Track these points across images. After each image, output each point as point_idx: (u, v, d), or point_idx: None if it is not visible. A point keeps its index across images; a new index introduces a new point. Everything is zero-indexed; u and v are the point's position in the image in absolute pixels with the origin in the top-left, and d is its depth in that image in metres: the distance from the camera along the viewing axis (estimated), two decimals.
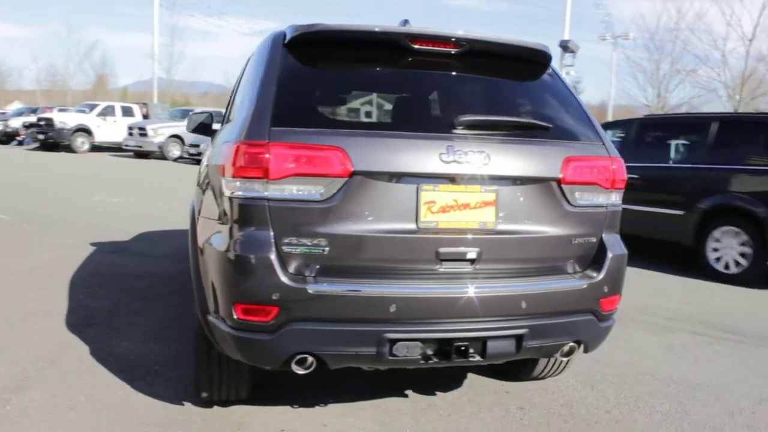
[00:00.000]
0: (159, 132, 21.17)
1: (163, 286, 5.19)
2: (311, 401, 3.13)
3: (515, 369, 3.44)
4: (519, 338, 2.52)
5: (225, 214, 2.42)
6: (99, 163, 18.91)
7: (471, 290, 2.44)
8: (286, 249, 2.32)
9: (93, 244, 6.69)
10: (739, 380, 3.72)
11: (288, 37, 2.62)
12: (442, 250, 2.44)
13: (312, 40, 2.61)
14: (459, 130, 2.48)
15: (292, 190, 2.31)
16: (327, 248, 2.34)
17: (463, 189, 2.45)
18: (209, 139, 3.63)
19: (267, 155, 2.29)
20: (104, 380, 3.27)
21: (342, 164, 2.32)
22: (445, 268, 2.45)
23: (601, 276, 2.65)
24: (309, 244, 2.33)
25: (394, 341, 2.37)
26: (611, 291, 2.70)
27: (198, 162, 19.57)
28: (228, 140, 2.52)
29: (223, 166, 2.45)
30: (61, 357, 3.55)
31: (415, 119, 2.58)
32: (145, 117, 24.48)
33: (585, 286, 2.62)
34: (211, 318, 2.58)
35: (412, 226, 2.41)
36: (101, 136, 22.90)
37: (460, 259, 2.47)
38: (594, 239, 2.70)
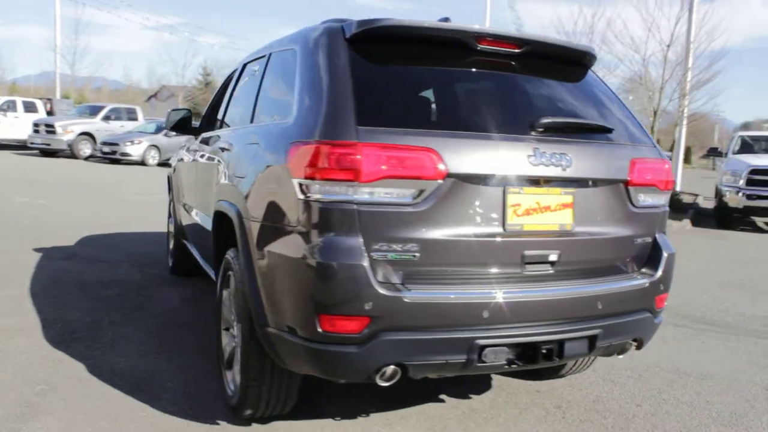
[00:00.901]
0: (69, 129, 19.82)
1: (137, 295, 4.81)
2: (351, 412, 2.99)
3: (538, 368, 3.44)
4: (593, 339, 2.51)
5: (299, 219, 2.23)
6: (4, 162, 17.42)
7: (554, 292, 2.41)
8: (375, 255, 2.18)
9: (37, 250, 6.12)
10: (737, 369, 3.91)
11: (350, 32, 2.48)
12: (527, 252, 2.39)
13: (377, 36, 2.49)
14: (541, 132, 2.45)
15: (384, 193, 2.17)
16: (417, 254, 2.22)
17: (545, 191, 2.43)
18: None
19: (358, 156, 2.14)
20: (119, 402, 2.97)
21: (435, 166, 2.22)
22: (528, 271, 2.41)
23: (658, 274, 2.70)
24: (399, 249, 2.20)
25: (483, 347, 2.29)
26: (665, 289, 2.75)
27: (113, 161, 18.50)
28: (291, 138, 2.33)
29: (290, 166, 2.28)
30: (58, 378, 3.19)
31: (497, 121, 2.52)
32: (50, 113, 22.83)
33: (647, 285, 2.65)
34: (273, 331, 2.39)
35: (499, 229, 2.35)
36: (1, 132, 21.11)
37: (543, 261, 2.43)
38: (650, 239, 2.75)
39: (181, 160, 4.99)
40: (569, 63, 2.87)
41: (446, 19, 2.93)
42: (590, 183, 2.54)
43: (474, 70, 2.63)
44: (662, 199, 2.79)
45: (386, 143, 2.18)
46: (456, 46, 2.57)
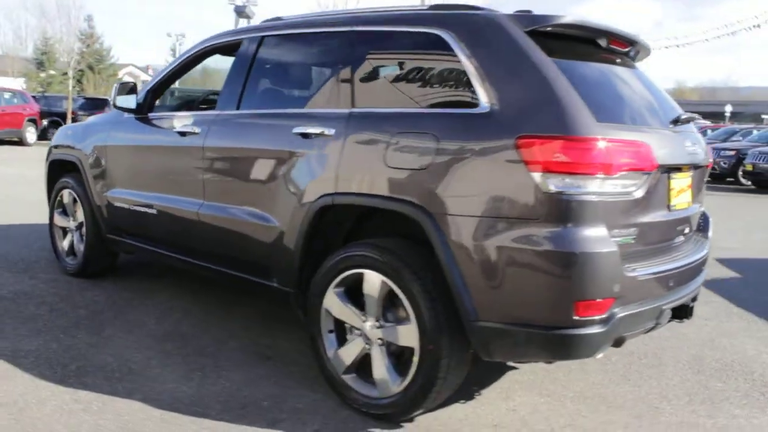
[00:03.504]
0: None
1: (75, 307, 3.95)
2: (464, 393, 3.03)
3: None
4: (695, 297, 3.00)
5: (546, 212, 2.26)
6: None
7: (690, 259, 2.82)
8: (614, 241, 2.35)
9: None
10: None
11: (530, 25, 2.52)
12: (678, 228, 2.78)
13: (551, 32, 2.57)
14: (680, 124, 2.82)
15: (620, 185, 2.35)
16: (634, 237, 2.45)
17: (683, 175, 2.82)
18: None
19: (610, 151, 2.27)
20: None
21: (651, 159, 2.47)
22: (676, 243, 2.79)
23: (710, 236, 3.29)
24: (625, 234, 2.41)
25: (663, 311, 2.60)
26: None
27: None
28: (510, 131, 2.32)
29: (526, 160, 2.27)
30: (135, 424, 2.59)
31: (659, 114, 2.80)
32: None
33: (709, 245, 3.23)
34: (488, 324, 2.38)
35: (665, 210, 2.68)
36: None
37: (683, 234, 2.84)
38: (703, 209, 3.33)
39: (113, 143, 4.14)
40: (633, 60, 3.23)
41: (529, 11, 3.04)
42: (697, 167, 2.98)
43: (613, 67, 2.85)
44: None
45: (623, 139, 2.37)
46: (595, 44, 2.76)
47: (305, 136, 2.92)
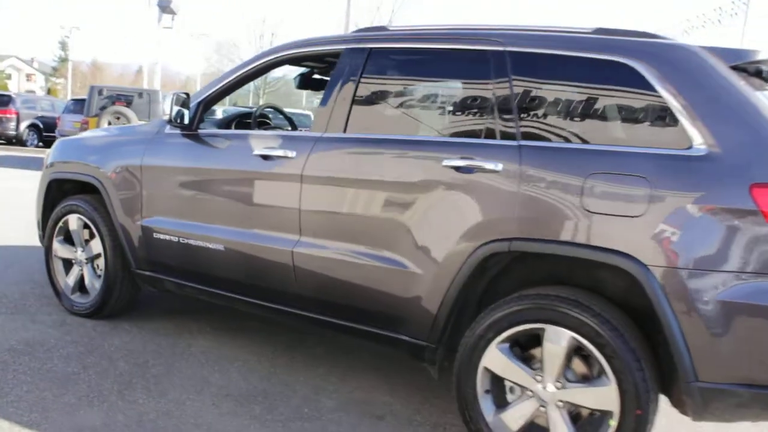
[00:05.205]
0: None
1: (104, 360, 3.32)
2: None
3: None
4: None
5: None
6: None
7: None
8: None
9: None
10: None
11: (736, 60, 2.34)
12: None
13: (747, 68, 2.38)
14: None
15: None
16: None
17: None
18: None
19: None
20: None
21: None
22: None
23: None
24: None
25: None
26: None
27: None
28: (739, 178, 2.12)
29: (764, 210, 2.08)
30: None
31: None
32: None
33: None
34: (710, 386, 2.17)
35: None
36: None
37: None
38: None
39: (153, 162, 3.52)
40: None
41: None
42: None
43: None
44: None
45: None
46: (761, 77, 2.60)
47: (458, 169, 2.57)
